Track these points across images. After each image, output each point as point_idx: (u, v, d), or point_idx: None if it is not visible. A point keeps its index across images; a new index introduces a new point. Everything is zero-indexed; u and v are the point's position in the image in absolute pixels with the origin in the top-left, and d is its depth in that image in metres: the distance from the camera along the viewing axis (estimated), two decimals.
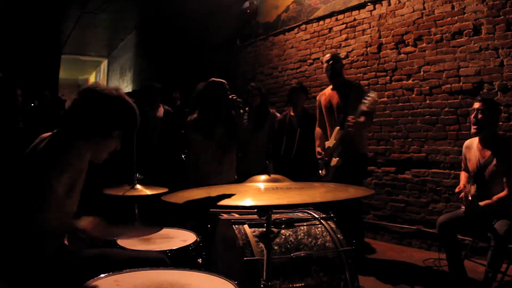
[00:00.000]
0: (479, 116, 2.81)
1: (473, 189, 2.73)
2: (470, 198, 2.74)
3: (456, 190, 3.01)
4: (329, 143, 3.52)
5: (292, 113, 4.27)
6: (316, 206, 2.30)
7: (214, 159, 3.10)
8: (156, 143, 4.51)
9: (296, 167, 4.05)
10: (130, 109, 1.70)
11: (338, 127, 3.44)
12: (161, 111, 4.72)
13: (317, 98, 3.81)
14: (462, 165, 3.18)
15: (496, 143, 2.85)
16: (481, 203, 2.75)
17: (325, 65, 3.62)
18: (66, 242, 1.68)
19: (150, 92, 4.72)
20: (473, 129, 2.88)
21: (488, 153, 2.87)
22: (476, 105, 2.86)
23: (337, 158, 3.41)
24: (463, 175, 3.13)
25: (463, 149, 3.12)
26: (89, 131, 1.62)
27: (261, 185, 1.34)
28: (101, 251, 1.69)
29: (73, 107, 1.66)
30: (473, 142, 3.03)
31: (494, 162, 2.79)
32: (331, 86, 3.66)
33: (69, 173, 1.53)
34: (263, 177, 1.40)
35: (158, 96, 4.72)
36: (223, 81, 3.11)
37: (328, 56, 3.64)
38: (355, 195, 1.38)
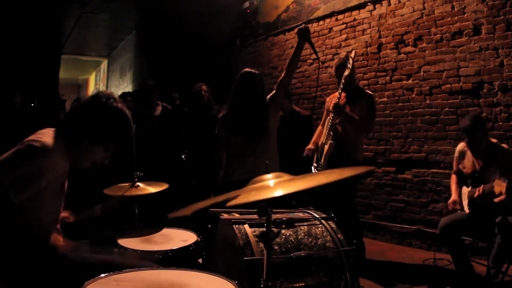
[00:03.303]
0: (473, 149, 2.94)
1: (498, 187, 2.65)
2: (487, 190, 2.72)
3: (450, 204, 3.04)
4: (323, 137, 3.53)
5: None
6: (316, 206, 2.30)
7: (239, 153, 2.88)
8: (153, 142, 4.48)
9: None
10: (127, 125, 1.70)
11: (330, 119, 3.46)
12: (159, 109, 4.68)
13: (327, 99, 3.82)
14: (454, 167, 3.20)
15: (489, 152, 2.89)
16: (496, 200, 2.75)
17: (332, 71, 3.65)
18: (62, 243, 1.68)
19: (145, 90, 4.70)
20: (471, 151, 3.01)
21: (481, 160, 2.93)
22: (465, 137, 2.93)
23: (329, 143, 3.39)
24: (453, 180, 3.14)
25: (456, 153, 3.16)
26: (80, 135, 1.63)
27: (271, 182, 1.33)
28: (100, 259, 1.68)
29: (75, 109, 1.68)
30: (467, 148, 3.06)
31: (490, 168, 2.81)
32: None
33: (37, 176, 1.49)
34: (265, 176, 1.39)
35: (154, 94, 4.66)
36: (253, 72, 2.86)
37: (334, 69, 3.62)
38: (359, 171, 1.39)
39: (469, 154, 3.03)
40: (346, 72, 3.35)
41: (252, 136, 2.81)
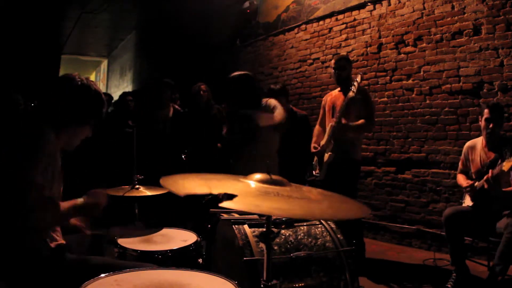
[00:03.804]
0: (490, 125, 2.91)
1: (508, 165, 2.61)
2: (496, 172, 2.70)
3: (465, 184, 3.02)
4: (323, 141, 3.53)
5: None
6: None
7: (235, 154, 3.04)
8: (166, 144, 4.44)
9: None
10: (101, 98, 1.74)
11: (330, 123, 3.46)
12: (171, 111, 4.62)
13: (324, 98, 3.83)
14: (460, 166, 3.20)
15: (502, 144, 2.90)
16: (504, 189, 2.75)
17: (332, 71, 3.65)
18: (63, 241, 1.68)
19: (159, 88, 4.60)
20: (484, 134, 2.99)
21: (493, 154, 2.91)
22: (486, 113, 2.94)
23: (329, 153, 3.40)
24: (461, 177, 3.15)
25: (465, 150, 3.15)
26: (67, 119, 1.65)
27: (262, 187, 1.32)
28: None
29: (50, 95, 1.68)
30: (477, 143, 3.07)
31: (500, 161, 2.80)
32: (339, 88, 3.66)
33: (45, 161, 1.53)
34: (264, 177, 1.39)
35: (167, 93, 4.58)
36: (237, 77, 2.93)
37: (333, 62, 3.64)
38: (355, 216, 1.40)
39: (478, 147, 3.04)
40: (351, 94, 3.32)
41: (243, 137, 2.88)
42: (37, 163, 1.49)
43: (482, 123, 2.98)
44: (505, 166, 2.60)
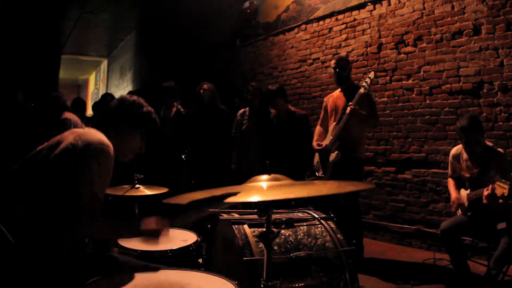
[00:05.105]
0: (469, 148, 2.88)
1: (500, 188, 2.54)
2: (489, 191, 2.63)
3: (454, 201, 3.00)
4: (326, 141, 3.53)
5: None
6: (316, 206, 2.30)
7: None
8: (165, 144, 4.47)
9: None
10: (154, 115, 1.85)
11: (334, 123, 3.46)
12: (173, 111, 4.68)
13: (325, 99, 3.86)
14: (449, 171, 3.17)
15: (485, 155, 2.85)
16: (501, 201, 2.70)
17: (332, 71, 3.67)
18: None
19: (161, 91, 4.72)
20: (468, 152, 2.95)
21: (478, 166, 2.89)
22: (462, 141, 2.89)
23: (336, 152, 3.41)
24: (451, 184, 3.12)
25: (451, 159, 3.13)
26: (118, 120, 1.74)
27: (264, 184, 1.33)
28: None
29: (112, 105, 1.81)
30: (461, 153, 3.03)
31: (487, 171, 2.79)
32: (339, 89, 3.67)
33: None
34: (264, 176, 1.40)
35: (168, 95, 4.68)
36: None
37: (333, 62, 3.65)
38: (358, 187, 1.43)
39: (463, 158, 3.01)
40: (362, 90, 3.33)
41: None
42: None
43: (461, 142, 2.91)
44: (498, 190, 2.52)
